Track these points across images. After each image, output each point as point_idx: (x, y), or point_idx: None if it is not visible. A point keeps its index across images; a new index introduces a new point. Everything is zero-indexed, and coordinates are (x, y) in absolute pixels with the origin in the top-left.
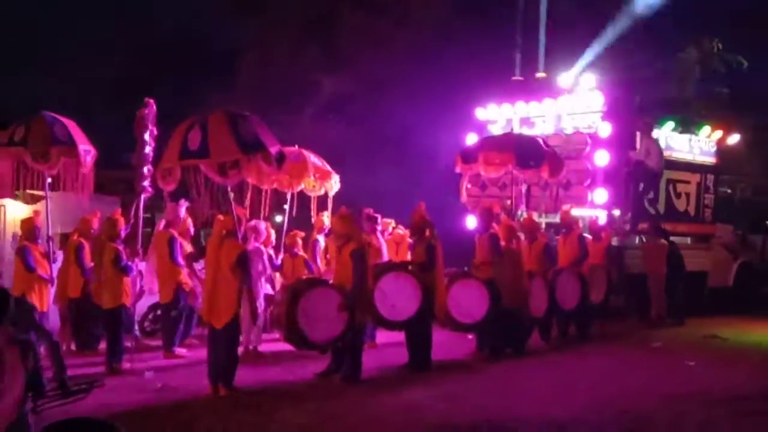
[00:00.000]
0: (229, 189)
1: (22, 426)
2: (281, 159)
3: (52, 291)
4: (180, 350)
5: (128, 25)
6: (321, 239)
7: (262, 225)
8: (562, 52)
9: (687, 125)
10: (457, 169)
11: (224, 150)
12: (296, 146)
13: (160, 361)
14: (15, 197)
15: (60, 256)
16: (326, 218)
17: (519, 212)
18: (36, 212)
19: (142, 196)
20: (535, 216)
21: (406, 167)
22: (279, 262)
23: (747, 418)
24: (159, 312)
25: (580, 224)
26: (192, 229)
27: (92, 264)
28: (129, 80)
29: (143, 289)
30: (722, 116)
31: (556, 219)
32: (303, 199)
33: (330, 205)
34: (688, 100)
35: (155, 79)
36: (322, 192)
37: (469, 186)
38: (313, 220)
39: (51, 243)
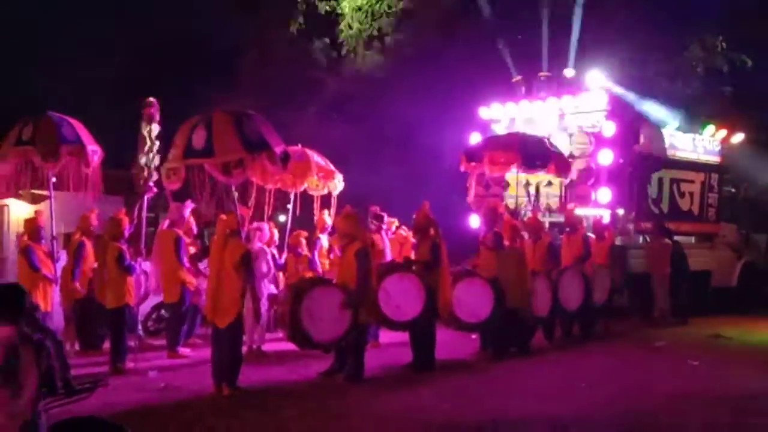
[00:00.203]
0: (233, 188)
1: (36, 425)
2: (286, 159)
3: (56, 291)
4: (183, 350)
5: (128, 25)
6: (323, 238)
7: (266, 226)
8: (565, 50)
9: (691, 124)
10: (462, 169)
11: (229, 149)
12: (299, 145)
13: (163, 360)
14: (19, 197)
15: (63, 255)
16: (328, 217)
17: (523, 211)
18: (38, 212)
19: (146, 196)
20: (539, 215)
21: (410, 166)
22: (282, 261)
23: (751, 418)
24: (163, 312)
25: (584, 223)
26: (195, 229)
27: (95, 264)
28: (130, 80)
29: (149, 290)
30: (726, 115)
31: (560, 218)
32: (306, 198)
33: (334, 205)
34: (692, 98)
35: (157, 78)
36: (326, 191)
37: (473, 185)
38: (316, 219)
39: (55, 243)
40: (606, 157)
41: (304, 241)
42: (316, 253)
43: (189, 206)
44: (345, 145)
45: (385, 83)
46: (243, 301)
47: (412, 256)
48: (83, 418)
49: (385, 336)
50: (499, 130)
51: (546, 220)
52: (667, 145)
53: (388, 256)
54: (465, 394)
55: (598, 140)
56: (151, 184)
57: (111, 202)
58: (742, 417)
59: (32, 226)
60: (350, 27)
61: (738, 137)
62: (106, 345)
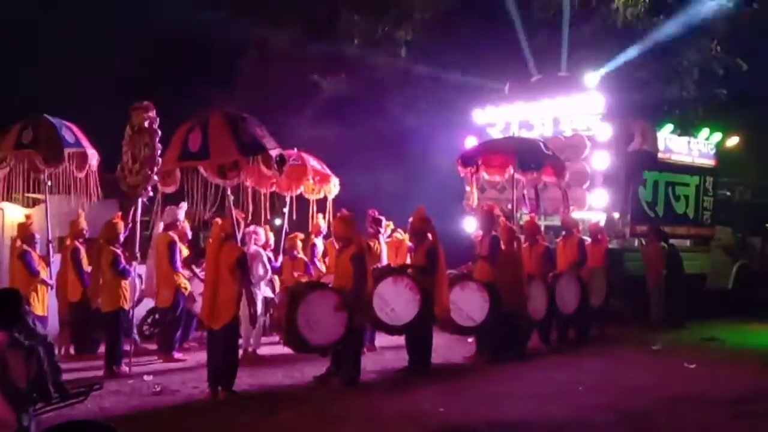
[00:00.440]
0: (228, 192)
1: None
2: (282, 162)
3: (51, 294)
4: (179, 354)
5: (125, 27)
6: (319, 242)
7: (261, 230)
8: (558, 53)
9: (686, 127)
10: (462, 174)
11: (224, 151)
12: (295, 149)
13: (159, 364)
14: (14, 201)
15: (56, 259)
16: (322, 221)
17: (519, 215)
18: (28, 216)
19: (140, 200)
20: (536, 218)
21: (406, 170)
22: (278, 264)
23: (747, 420)
24: (157, 316)
25: (580, 227)
26: (189, 233)
27: (90, 267)
28: (127, 82)
29: (143, 293)
30: (721, 118)
31: (556, 222)
32: (302, 202)
33: (330, 209)
34: (687, 102)
35: (154, 80)
36: (322, 195)
37: (468, 189)
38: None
39: (51, 247)
40: (601, 160)
41: (300, 245)
42: (316, 257)
43: (183, 207)
44: (341, 149)
45: (381, 87)
46: (239, 304)
47: (408, 261)
48: (78, 422)
49: (381, 340)
50: (495, 133)
51: (542, 224)
52: (662, 148)
53: (385, 260)
54: (461, 398)
55: (594, 143)
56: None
57: (106, 205)
58: (738, 419)
59: (26, 231)
60: None
61: (733, 140)
62: (102, 349)
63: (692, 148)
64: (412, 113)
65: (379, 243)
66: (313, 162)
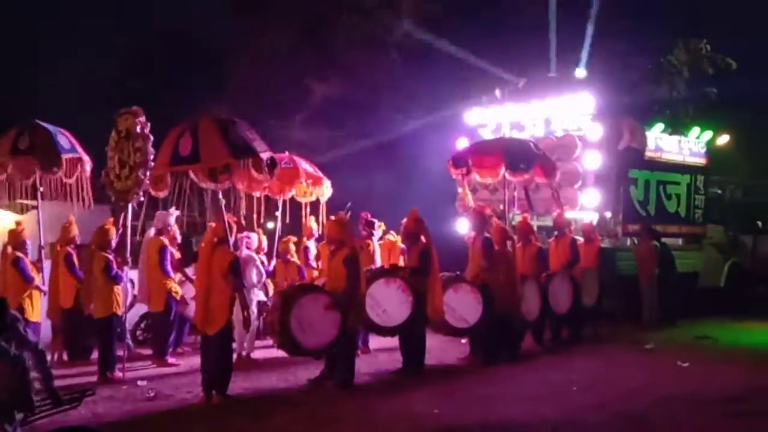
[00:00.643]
0: (220, 196)
1: None
2: (273, 165)
3: (44, 301)
4: (172, 359)
5: (116, 32)
6: (311, 245)
7: (254, 235)
8: (548, 54)
9: (676, 126)
10: (453, 176)
11: (215, 155)
12: (286, 153)
13: (152, 369)
14: (6, 207)
15: (47, 265)
16: (314, 224)
17: (511, 215)
18: (19, 222)
19: (130, 205)
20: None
21: (398, 172)
22: (271, 268)
23: (740, 418)
24: (150, 321)
25: (572, 227)
26: (179, 237)
27: (81, 273)
28: (116, 86)
29: (135, 298)
30: (711, 117)
31: (548, 222)
32: (295, 205)
33: (324, 211)
34: (677, 101)
35: (143, 85)
36: (314, 198)
37: (460, 190)
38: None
39: (42, 253)
40: (592, 160)
41: (293, 248)
42: (309, 260)
43: (173, 213)
44: (333, 152)
45: (373, 89)
46: (232, 309)
47: (401, 263)
48: (72, 429)
49: (375, 342)
50: (486, 134)
51: (534, 224)
52: (653, 147)
53: (378, 262)
54: (455, 399)
55: (585, 143)
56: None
57: (98, 211)
58: (732, 417)
59: (17, 237)
60: None
61: (723, 139)
62: (95, 355)
63: (683, 147)
64: (404, 115)
65: (372, 245)
66: (305, 165)
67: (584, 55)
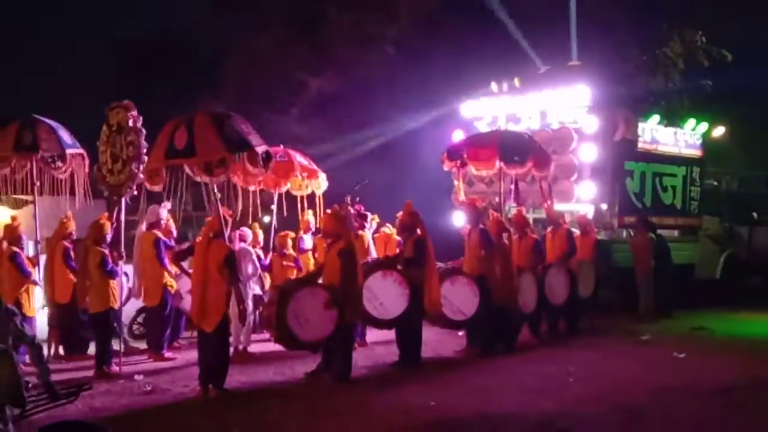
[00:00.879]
0: (215, 190)
1: None
2: (268, 159)
3: (39, 295)
4: (169, 353)
5: (112, 27)
6: (307, 238)
7: (247, 229)
8: (545, 46)
9: (672, 118)
10: (446, 168)
11: (210, 149)
12: (281, 146)
13: (149, 363)
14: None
15: (42, 260)
16: (311, 217)
17: (507, 208)
18: (14, 218)
19: (123, 199)
20: (523, 211)
21: (395, 165)
22: (267, 262)
23: (738, 409)
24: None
25: (568, 219)
26: (175, 231)
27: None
28: (110, 82)
29: (131, 292)
30: (707, 109)
31: (544, 214)
32: (292, 198)
33: (321, 204)
34: (673, 93)
35: (138, 80)
36: (309, 191)
37: (456, 183)
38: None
39: (39, 247)
40: (588, 152)
41: (290, 242)
42: (309, 253)
43: (165, 206)
44: (329, 146)
45: (369, 83)
46: (228, 303)
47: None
48: (69, 423)
49: (372, 335)
50: (482, 127)
51: (530, 216)
52: (648, 139)
53: (373, 254)
54: (452, 391)
55: (581, 136)
56: (131, 185)
57: (93, 205)
58: (729, 408)
59: (13, 232)
60: None
61: (719, 130)
62: (92, 349)
63: (679, 138)
64: (400, 108)
65: (365, 237)
66: (299, 158)
67: (577, 47)
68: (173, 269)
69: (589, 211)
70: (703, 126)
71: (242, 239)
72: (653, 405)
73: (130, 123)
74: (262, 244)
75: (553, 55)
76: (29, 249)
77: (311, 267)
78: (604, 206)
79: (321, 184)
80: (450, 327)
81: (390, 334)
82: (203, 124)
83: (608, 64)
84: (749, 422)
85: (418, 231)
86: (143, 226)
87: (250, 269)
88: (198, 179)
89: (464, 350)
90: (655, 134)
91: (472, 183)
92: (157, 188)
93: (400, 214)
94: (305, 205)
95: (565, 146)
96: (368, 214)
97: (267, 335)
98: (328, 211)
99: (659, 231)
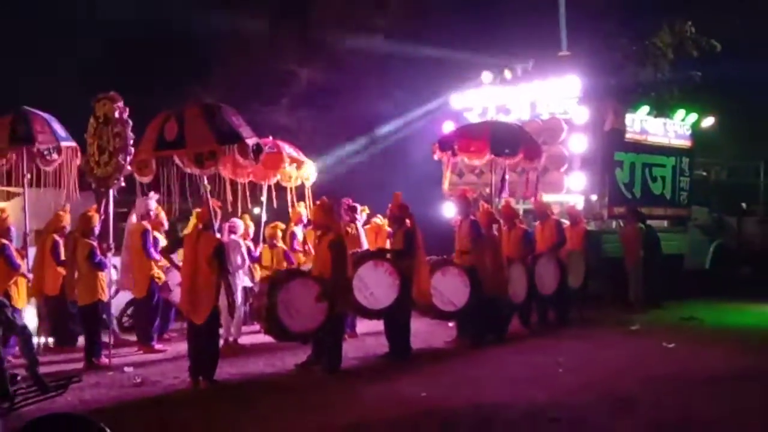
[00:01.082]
0: (205, 181)
1: None
2: (259, 151)
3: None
4: (158, 345)
5: (98, 17)
6: (298, 230)
7: (239, 221)
8: (535, 36)
9: (661, 109)
10: (436, 157)
11: (200, 140)
12: (270, 137)
13: (139, 355)
14: None
15: (31, 252)
16: (303, 209)
17: (497, 199)
18: (3, 210)
19: (111, 191)
20: (512, 202)
21: (385, 156)
22: (257, 253)
23: (727, 398)
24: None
25: (557, 210)
26: (166, 222)
27: (64, 260)
28: (98, 72)
29: (119, 284)
30: (696, 99)
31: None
32: (281, 190)
33: (309, 196)
34: (662, 83)
35: (126, 72)
36: (299, 182)
37: (448, 174)
38: (291, 211)
39: (27, 239)
40: (578, 143)
41: (280, 233)
42: (296, 245)
43: (153, 197)
44: (319, 137)
45: (358, 73)
46: (218, 294)
47: (388, 246)
48: (59, 415)
49: (362, 326)
50: (472, 118)
51: (520, 207)
52: (638, 130)
53: (364, 245)
54: (443, 382)
55: (571, 126)
56: (119, 177)
57: (82, 198)
58: (718, 398)
59: (1, 225)
60: None
61: (708, 121)
62: (81, 341)
63: (668, 129)
64: (390, 99)
65: (356, 228)
66: (288, 149)
67: (567, 37)
68: (163, 262)
69: (578, 202)
70: (693, 116)
71: (232, 231)
72: (643, 394)
73: (116, 114)
74: (252, 236)
75: (542, 45)
76: (18, 241)
77: (301, 258)
78: (593, 197)
79: (310, 174)
80: (441, 318)
81: (380, 326)
82: (194, 115)
83: (598, 54)
84: (738, 411)
85: (408, 222)
86: (133, 218)
87: (238, 261)
88: (188, 171)
89: (455, 341)
90: (645, 125)
91: (462, 174)
92: (146, 180)
93: (390, 206)
94: (295, 197)
95: (554, 137)
96: (357, 206)
97: (257, 327)
98: (317, 203)
99: (649, 221)
